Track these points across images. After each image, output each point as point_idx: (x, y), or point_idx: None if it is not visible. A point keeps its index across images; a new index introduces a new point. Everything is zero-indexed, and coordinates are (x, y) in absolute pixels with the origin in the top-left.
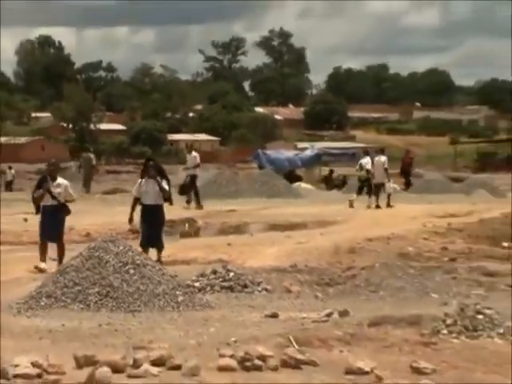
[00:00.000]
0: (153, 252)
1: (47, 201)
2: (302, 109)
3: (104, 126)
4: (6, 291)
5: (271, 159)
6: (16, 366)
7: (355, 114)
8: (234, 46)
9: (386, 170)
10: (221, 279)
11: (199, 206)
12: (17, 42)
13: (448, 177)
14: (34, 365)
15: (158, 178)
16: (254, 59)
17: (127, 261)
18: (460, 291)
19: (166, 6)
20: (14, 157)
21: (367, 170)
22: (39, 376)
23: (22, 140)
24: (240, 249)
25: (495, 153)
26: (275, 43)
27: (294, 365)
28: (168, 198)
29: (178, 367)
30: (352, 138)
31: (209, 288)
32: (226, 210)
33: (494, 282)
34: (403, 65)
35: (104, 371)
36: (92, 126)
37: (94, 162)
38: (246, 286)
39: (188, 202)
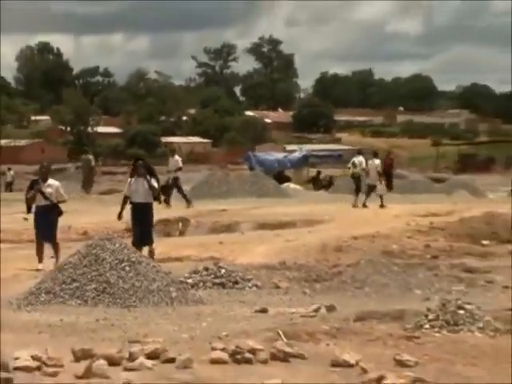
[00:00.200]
0: (146, 249)
1: (40, 201)
2: (291, 112)
3: (101, 129)
4: (6, 287)
5: (261, 161)
6: (16, 359)
7: (341, 117)
8: (225, 53)
9: (379, 172)
10: (213, 276)
11: (189, 205)
12: (17, 48)
13: (430, 178)
14: (33, 358)
15: (148, 177)
16: (244, 65)
17: (123, 258)
18: (442, 287)
19: (160, 14)
20: (14, 159)
21: (363, 169)
22: (38, 368)
23: (22, 142)
24: (231, 247)
25: (475, 154)
26: (265, 50)
27: (283, 358)
28: (157, 197)
29: (171, 360)
30: (338, 141)
31: (201, 284)
32: (217, 209)
33: (474, 278)
34: (387, 70)
35: (101, 364)
36: (89, 129)
37: (93, 163)
38: (236, 283)
39: (166, 201)
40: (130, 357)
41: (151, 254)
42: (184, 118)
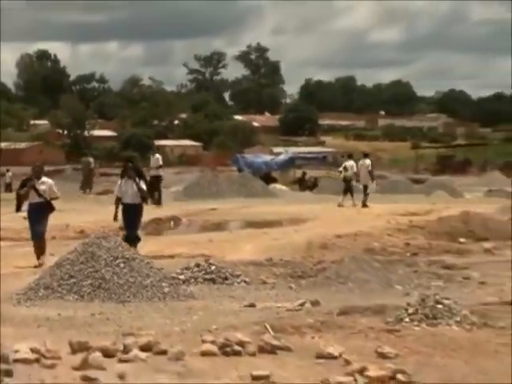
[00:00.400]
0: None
1: (33, 199)
2: (277, 117)
3: (97, 133)
4: (6, 283)
5: (249, 163)
6: (16, 351)
7: (325, 121)
8: (215, 60)
9: (369, 172)
10: (203, 272)
11: (159, 205)
12: (17, 55)
13: (410, 179)
14: (32, 350)
15: (137, 179)
16: (233, 72)
17: (118, 255)
18: (421, 283)
19: (153, 24)
20: (14, 161)
21: (355, 173)
22: (37, 361)
23: (22, 145)
24: (221, 244)
25: (453, 157)
26: (253, 57)
27: (270, 350)
28: (144, 198)
29: (164, 352)
30: (322, 144)
31: (192, 280)
32: (207, 208)
33: (452, 274)
34: (369, 77)
35: (96, 356)
36: (86, 133)
37: (92, 165)
38: (226, 279)
39: (157, 201)
40: (124, 349)
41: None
42: (176, 122)
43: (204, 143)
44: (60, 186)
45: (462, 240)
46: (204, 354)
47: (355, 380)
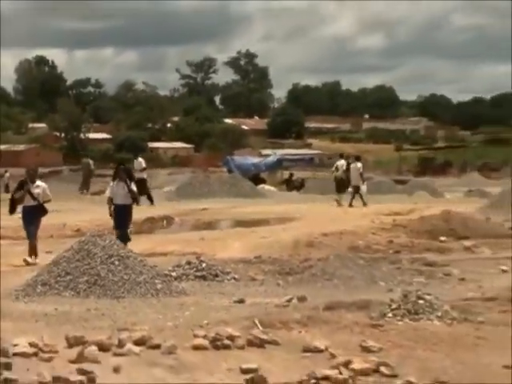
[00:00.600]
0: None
1: (27, 201)
2: (266, 120)
3: (92, 135)
4: (6, 280)
5: (238, 164)
6: (15, 345)
7: (312, 124)
8: (206, 66)
9: (361, 174)
10: (195, 269)
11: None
12: (16, 61)
13: (393, 179)
14: (30, 344)
15: (127, 181)
16: (223, 77)
17: (112, 253)
18: (403, 279)
19: (147, 31)
20: (13, 162)
21: (344, 171)
22: (35, 354)
23: (21, 147)
24: (211, 243)
25: (434, 158)
26: (242, 63)
27: (259, 344)
28: (135, 199)
29: (157, 346)
30: (309, 146)
31: (184, 277)
32: (199, 208)
33: (433, 271)
34: (354, 82)
35: (92, 350)
36: (82, 135)
37: (92, 166)
38: (216, 275)
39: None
40: (118, 343)
41: None
42: (168, 125)
43: (196, 145)
44: (57, 186)
45: (442, 238)
46: (195, 347)
47: (340, 373)
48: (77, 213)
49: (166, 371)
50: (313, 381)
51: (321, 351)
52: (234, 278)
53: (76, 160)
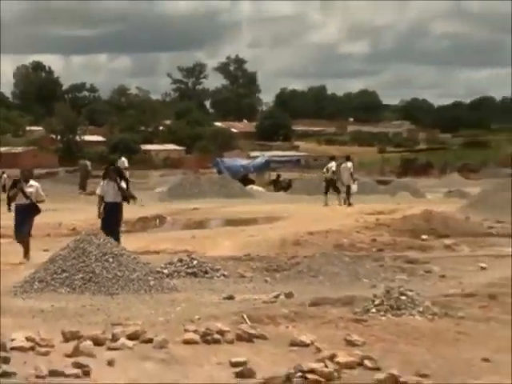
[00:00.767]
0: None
1: (20, 200)
2: (254, 123)
3: (87, 138)
4: (6, 277)
5: (228, 166)
6: (13, 340)
7: (298, 127)
8: (197, 71)
9: (351, 174)
10: (186, 266)
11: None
12: (14, 67)
13: (376, 180)
14: (27, 339)
15: (118, 180)
16: (213, 82)
17: (107, 251)
18: (386, 276)
19: (140, 37)
20: (11, 164)
21: (333, 172)
22: (32, 348)
23: (19, 149)
24: (202, 241)
25: (415, 160)
26: (231, 68)
27: (248, 338)
28: (125, 197)
29: (149, 341)
30: (296, 148)
31: (176, 274)
32: (190, 208)
33: (415, 268)
34: (339, 86)
35: (87, 344)
36: (77, 138)
37: (89, 167)
38: (206, 272)
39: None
40: (112, 338)
41: None
42: (161, 128)
43: (187, 147)
44: (53, 187)
45: (424, 237)
46: (186, 342)
47: (326, 366)
48: (72, 212)
49: (158, 364)
50: (299, 374)
51: (307, 345)
52: (224, 275)
53: (71, 162)
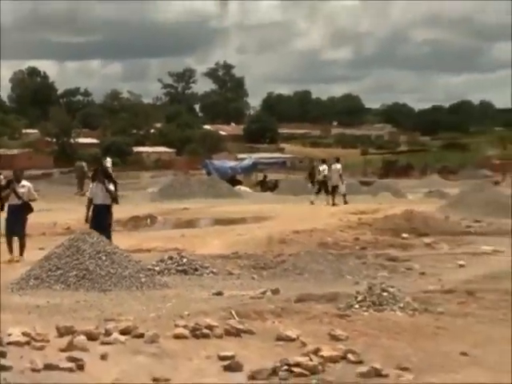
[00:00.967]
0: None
1: (12, 200)
2: (242, 126)
3: (81, 140)
4: (5, 274)
5: (217, 167)
6: (9, 335)
7: (284, 130)
8: (186, 76)
9: (340, 175)
10: (176, 264)
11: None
12: (11, 72)
13: (359, 181)
14: (23, 334)
15: (106, 182)
16: (202, 86)
17: (100, 249)
18: (369, 273)
19: (132, 44)
20: (7, 165)
21: (324, 175)
22: (28, 343)
23: (15, 151)
24: (192, 239)
25: (397, 161)
26: (220, 73)
27: (236, 333)
28: (114, 199)
29: (141, 335)
30: (282, 150)
31: (166, 271)
32: (180, 208)
33: (396, 265)
34: (323, 91)
35: (81, 339)
36: (72, 140)
37: (85, 168)
38: (196, 270)
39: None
40: (105, 333)
41: None
42: (152, 130)
43: (177, 150)
44: (48, 188)
45: (404, 235)
46: (176, 336)
47: (310, 360)
48: (67, 212)
49: (149, 358)
50: (285, 367)
51: (292, 340)
52: (213, 272)
53: (66, 163)
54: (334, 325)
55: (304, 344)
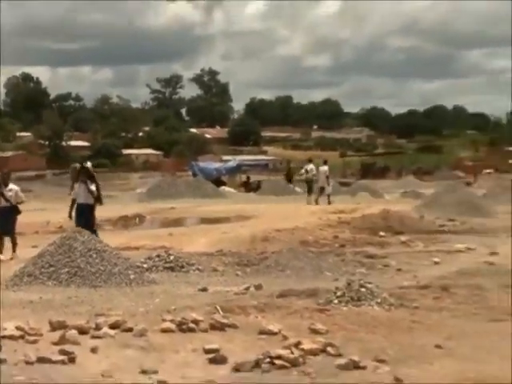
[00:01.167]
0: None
1: (0, 203)
2: (226, 129)
3: (73, 143)
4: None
5: (202, 169)
6: (4, 329)
7: (267, 133)
8: (173, 82)
9: (327, 176)
10: (163, 261)
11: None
12: (5, 78)
13: (338, 182)
14: (17, 328)
15: (88, 182)
16: (189, 91)
17: (91, 247)
18: (347, 270)
19: (121, 51)
20: (2, 167)
21: (313, 174)
22: (22, 337)
23: (9, 154)
24: (179, 238)
25: (374, 163)
26: (205, 79)
27: (220, 327)
28: (96, 199)
29: (130, 330)
30: (264, 153)
31: (154, 268)
32: (167, 207)
33: (373, 262)
34: (304, 96)
35: (72, 333)
36: (64, 143)
37: None
38: (183, 267)
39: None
40: (96, 327)
41: None
42: (140, 134)
43: (164, 152)
44: (42, 188)
45: (381, 234)
46: (164, 330)
47: (292, 352)
48: (59, 211)
49: (138, 351)
50: (267, 359)
51: (275, 333)
52: (199, 269)
53: (58, 165)
54: (314, 319)
55: (285, 337)
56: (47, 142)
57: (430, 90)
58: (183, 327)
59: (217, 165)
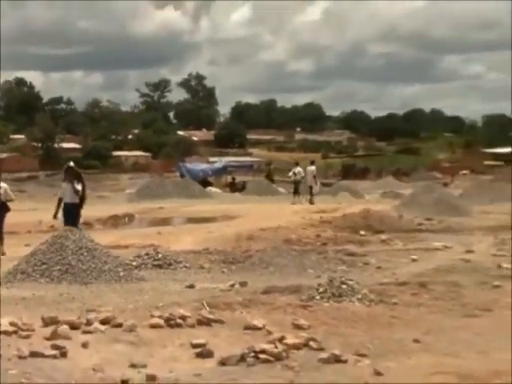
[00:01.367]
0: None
1: None
2: (213, 132)
3: (65, 145)
4: None
5: (189, 170)
6: None
7: (252, 136)
8: (162, 86)
9: (314, 176)
10: (152, 259)
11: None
12: None
13: (320, 183)
14: (11, 324)
15: (75, 182)
16: (177, 95)
17: (82, 245)
18: (329, 267)
19: (111, 56)
20: None
21: (302, 177)
22: (15, 332)
23: (3, 156)
24: (167, 236)
25: (355, 165)
26: (193, 83)
27: (207, 323)
28: (81, 199)
29: (119, 325)
30: (250, 154)
31: (143, 266)
32: (156, 207)
33: (354, 260)
34: (287, 100)
35: (64, 328)
36: (56, 145)
37: None
38: (170, 264)
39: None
40: (87, 322)
41: None
42: (130, 136)
43: (153, 154)
44: (35, 189)
45: (362, 232)
46: (152, 326)
47: (276, 347)
48: (51, 211)
49: (127, 346)
50: (252, 354)
51: (259, 329)
52: (186, 267)
53: (50, 166)
54: (297, 315)
55: (270, 332)
56: (40, 144)
57: (409, 94)
58: (171, 323)
59: (203, 166)
